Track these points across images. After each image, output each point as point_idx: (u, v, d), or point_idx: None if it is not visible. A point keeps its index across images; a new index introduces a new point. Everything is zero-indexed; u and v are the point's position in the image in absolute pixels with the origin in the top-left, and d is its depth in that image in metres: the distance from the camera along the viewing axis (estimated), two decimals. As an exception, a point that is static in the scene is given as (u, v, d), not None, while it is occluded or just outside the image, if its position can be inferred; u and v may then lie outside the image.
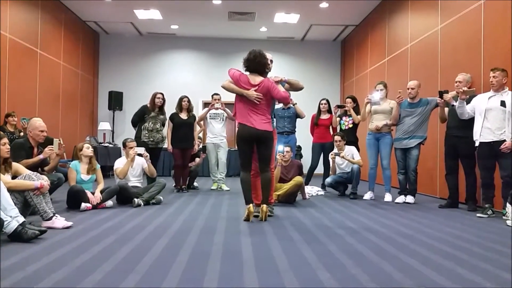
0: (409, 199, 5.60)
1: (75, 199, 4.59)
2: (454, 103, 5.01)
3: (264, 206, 4.08)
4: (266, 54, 4.32)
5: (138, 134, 6.33)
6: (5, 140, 3.58)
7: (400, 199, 5.65)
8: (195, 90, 11.05)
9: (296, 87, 4.41)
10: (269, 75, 4.37)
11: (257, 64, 4.11)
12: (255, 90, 4.04)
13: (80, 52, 10.55)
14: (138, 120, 6.42)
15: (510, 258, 2.80)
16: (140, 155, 5.31)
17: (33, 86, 8.19)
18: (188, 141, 6.61)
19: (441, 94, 5.16)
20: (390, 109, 5.86)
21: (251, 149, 4.17)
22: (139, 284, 2.17)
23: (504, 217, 4.34)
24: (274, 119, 4.60)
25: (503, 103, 4.48)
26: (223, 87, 4.20)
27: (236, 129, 4.27)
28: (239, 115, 4.16)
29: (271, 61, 4.41)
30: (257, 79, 4.10)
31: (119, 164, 5.27)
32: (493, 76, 4.56)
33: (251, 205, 4.08)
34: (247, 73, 4.17)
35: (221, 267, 2.50)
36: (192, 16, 10.02)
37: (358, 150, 6.41)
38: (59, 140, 4.74)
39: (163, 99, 6.50)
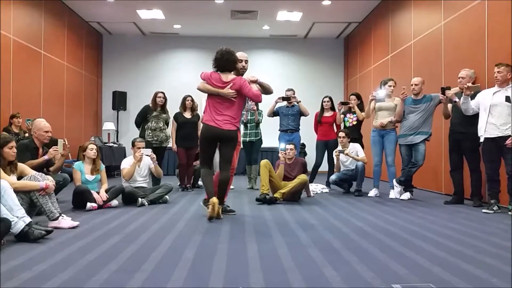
0: (405, 196, 5.63)
1: (80, 199, 4.60)
2: (456, 100, 4.99)
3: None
4: (242, 54, 4.30)
5: (142, 134, 6.35)
6: (13, 143, 3.60)
7: (405, 195, 5.64)
8: (199, 89, 11.04)
9: (267, 91, 4.40)
10: (246, 74, 4.37)
11: (225, 62, 4.07)
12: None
13: (83, 53, 10.58)
14: (141, 120, 6.45)
15: (516, 253, 2.80)
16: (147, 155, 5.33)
17: (37, 87, 8.22)
18: (192, 140, 6.61)
19: (443, 91, 5.15)
20: (395, 106, 5.85)
21: (214, 149, 4.25)
22: (145, 283, 2.18)
23: (510, 213, 4.33)
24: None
25: (508, 99, 4.46)
26: (199, 89, 4.19)
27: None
28: (205, 115, 4.15)
29: (246, 61, 4.36)
30: (229, 76, 4.08)
31: (126, 164, 5.27)
32: (498, 72, 4.54)
33: (214, 197, 3.98)
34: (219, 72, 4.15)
35: (227, 266, 2.50)
36: (195, 15, 10.03)
37: (363, 147, 6.39)
38: (64, 141, 4.75)
39: (165, 98, 6.51)
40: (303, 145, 10.39)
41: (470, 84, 4.80)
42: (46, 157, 4.67)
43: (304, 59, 12.00)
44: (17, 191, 3.32)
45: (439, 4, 6.58)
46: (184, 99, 6.72)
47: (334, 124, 6.99)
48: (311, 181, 6.72)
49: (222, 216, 4.11)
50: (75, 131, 9.89)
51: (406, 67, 7.74)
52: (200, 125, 6.84)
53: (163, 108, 6.53)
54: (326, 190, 6.67)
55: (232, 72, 4.18)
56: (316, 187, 6.62)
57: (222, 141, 4.12)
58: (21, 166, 3.76)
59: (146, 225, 3.78)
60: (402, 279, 2.25)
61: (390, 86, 5.98)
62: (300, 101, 6.80)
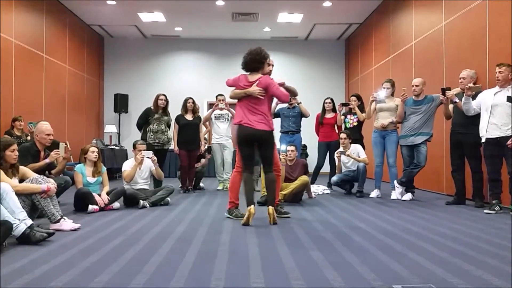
0: (406, 196, 5.63)
1: (82, 202, 4.61)
2: (457, 100, 4.99)
3: (271, 208, 3.91)
4: (268, 59, 4.19)
5: (144, 136, 6.36)
6: (15, 146, 3.61)
7: (407, 196, 5.63)
8: (200, 91, 11.08)
9: (292, 94, 4.44)
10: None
11: (251, 60, 4.04)
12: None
13: (85, 56, 10.61)
14: (143, 122, 6.45)
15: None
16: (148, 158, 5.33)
17: (39, 90, 8.25)
18: (194, 142, 6.62)
19: (443, 92, 5.15)
20: (396, 107, 5.84)
21: (253, 150, 4.06)
22: (147, 285, 2.19)
23: (511, 213, 4.32)
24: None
25: (509, 99, 4.46)
26: (231, 97, 4.17)
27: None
28: (237, 116, 4.08)
29: (272, 65, 4.32)
30: (255, 76, 4.05)
31: (127, 167, 5.28)
32: (499, 72, 4.53)
33: (252, 206, 3.89)
34: (247, 74, 4.14)
35: (228, 267, 2.51)
36: (196, 17, 10.05)
37: (364, 148, 6.39)
38: (66, 144, 4.76)
39: (166, 100, 6.52)
40: (304, 147, 10.39)
41: (471, 85, 4.80)
42: (47, 160, 4.68)
43: (305, 61, 12.01)
44: (18, 194, 3.32)
45: (440, 4, 6.58)
46: (185, 101, 6.73)
47: (336, 126, 6.99)
48: (312, 182, 6.72)
49: (277, 222, 3.94)
50: (76, 133, 9.91)
51: (407, 68, 7.74)
52: (202, 127, 6.94)
53: (165, 111, 6.54)
54: (328, 191, 6.67)
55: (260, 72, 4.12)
56: (318, 189, 6.62)
57: (258, 142, 4.00)
58: (23, 169, 3.77)
59: (147, 227, 3.78)
60: (403, 280, 2.25)
61: (384, 88, 5.98)
62: (300, 103, 6.80)
